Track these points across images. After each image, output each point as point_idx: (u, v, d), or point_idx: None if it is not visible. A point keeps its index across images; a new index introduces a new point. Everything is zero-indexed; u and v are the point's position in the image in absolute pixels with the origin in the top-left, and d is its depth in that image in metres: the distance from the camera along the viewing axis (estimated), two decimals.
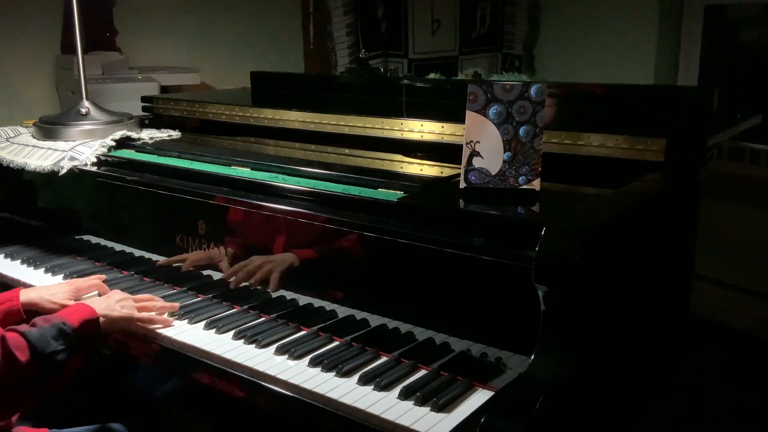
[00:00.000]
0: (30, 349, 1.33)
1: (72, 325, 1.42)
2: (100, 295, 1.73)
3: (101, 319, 1.50)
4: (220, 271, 1.71)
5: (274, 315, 1.59)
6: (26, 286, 1.77)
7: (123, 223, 2.01)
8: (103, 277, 1.80)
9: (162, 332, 1.54)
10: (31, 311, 1.60)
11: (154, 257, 1.86)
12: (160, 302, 1.62)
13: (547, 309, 1.18)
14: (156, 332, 1.55)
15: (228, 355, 1.43)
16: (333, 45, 3.88)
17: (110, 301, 1.57)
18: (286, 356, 1.42)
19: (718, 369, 2.84)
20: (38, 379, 1.35)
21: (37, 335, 1.35)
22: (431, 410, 1.22)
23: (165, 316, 1.60)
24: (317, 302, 1.55)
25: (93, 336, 1.49)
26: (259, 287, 1.63)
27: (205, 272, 1.74)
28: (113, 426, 1.56)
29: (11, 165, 2.05)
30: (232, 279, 1.68)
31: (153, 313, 1.59)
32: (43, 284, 1.76)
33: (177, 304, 1.63)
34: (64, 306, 1.60)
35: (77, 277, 1.82)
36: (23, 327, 1.37)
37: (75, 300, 1.65)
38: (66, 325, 1.41)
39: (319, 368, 1.37)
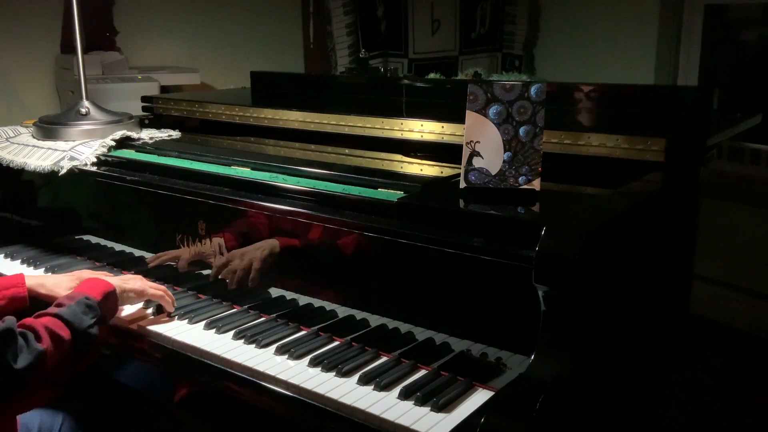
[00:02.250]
0: (69, 327, 1.36)
1: (96, 299, 1.45)
2: None
3: (117, 290, 1.54)
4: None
5: (274, 315, 1.59)
6: None
7: (123, 223, 2.01)
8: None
9: (162, 332, 1.55)
10: (35, 298, 1.62)
11: None
12: (169, 296, 1.65)
13: (547, 309, 1.18)
14: (156, 332, 1.55)
15: (228, 355, 1.43)
16: (333, 45, 3.88)
17: (123, 277, 1.63)
18: (286, 356, 1.42)
19: (718, 369, 2.83)
20: (78, 355, 1.38)
21: (70, 313, 1.38)
22: (431, 410, 1.22)
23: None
24: (317, 302, 1.55)
25: (113, 307, 1.53)
26: (245, 281, 1.63)
27: (205, 272, 1.74)
28: None
29: (11, 165, 2.05)
30: (218, 276, 1.69)
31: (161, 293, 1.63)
32: None
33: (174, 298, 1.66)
34: None
35: None
36: (53, 309, 1.39)
37: None
38: (90, 300, 1.44)
39: (319, 368, 1.37)
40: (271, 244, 1.60)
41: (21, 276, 1.64)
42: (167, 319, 1.61)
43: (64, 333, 1.34)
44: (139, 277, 1.66)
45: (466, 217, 1.37)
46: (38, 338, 1.30)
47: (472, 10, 4.31)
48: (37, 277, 1.68)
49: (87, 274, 1.76)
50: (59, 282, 1.67)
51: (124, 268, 1.91)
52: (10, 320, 1.29)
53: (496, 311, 1.30)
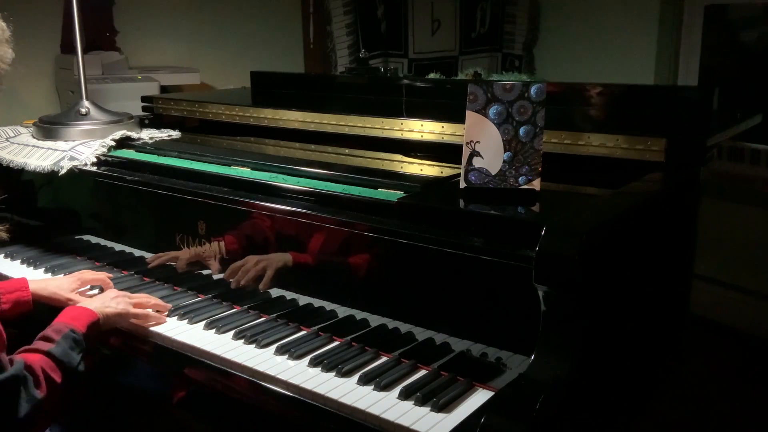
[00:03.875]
0: (60, 368, 1.35)
1: (81, 332, 1.43)
2: (102, 290, 1.76)
3: (100, 318, 1.52)
4: (214, 269, 1.71)
5: (274, 315, 1.59)
6: None
7: (123, 223, 2.01)
8: (110, 276, 1.81)
9: (162, 332, 1.54)
10: (38, 301, 1.64)
11: None
12: (154, 300, 1.63)
13: (547, 309, 1.18)
14: (156, 332, 1.55)
15: (228, 355, 1.43)
16: (333, 45, 3.89)
17: (105, 299, 1.59)
18: (286, 356, 1.42)
19: (718, 369, 2.83)
20: (67, 393, 1.37)
21: (61, 352, 1.37)
22: (431, 410, 1.22)
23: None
24: (317, 302, 1.55)
25: (97, 336, 1.51)
26: (256, 287, 1.63)
27: (205, 272, 1.74)
28: None
29: (11, 165, 2.05)
30: (230, 279, 1.68)
31: (148, 309, 1.60)
32: None
33: (169, 305, 1.64)
34: (69, 299, 1.63)
35: None
36: (44, 345, 1.37)
37: (79, 291, 1.70)
38: (76, 333, 1.42)
39: (319, 368, 1.37)
40: (286, 257, 1.59)
41: (24, 280, 1.64)
42: (167, 318, 1.61)
43: (57, 376, 1.34)
44: (126, 298, 1.60)
45: (466, 217, 1.37)
46: (37, 383, 1.29)
47: (472, 10, 4.31)
48: (39, 281, 1.68)
49: (88, 275, 1.76)
50: (61, 285, 1.68)
51: (124, 268, 1.91)
52: (18, 365, 1.27)
53: (496, 311, 1.30)
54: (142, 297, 1.63)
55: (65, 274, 1.87)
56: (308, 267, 1.57)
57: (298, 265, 1.57)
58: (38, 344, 1.38)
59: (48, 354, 1.35)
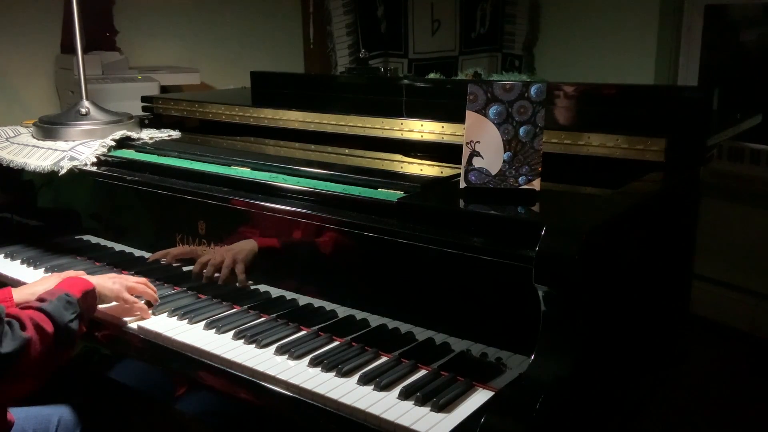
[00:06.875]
0: (51, 321, 1.39)
1: (75, 296, 1.48)
2: None
3: (96, 289, 1.57)
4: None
5: (274, 315, 1.59)
6: None
7: (123, 223, 2.01)
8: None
9: (162, 332, 1.54)
10: None
11: None
12: (150, 291, 1.67)
13: (547, 309, 1.18)
14: (156, 332, 1.55)
15: (228, 355, 1.43)
16: (333, 45, 3.88)
17: (104, 277, 1.64)
18: (286, 356, 1.42)
19: (718, 369, 2.84)
20: (59, 348, 1.41)
21: (52, 307, 1.41)
22: (431, 410, 1.22)
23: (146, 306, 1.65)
24: (317, 302, 1.55)
25: (91, 305, 1.56)
26: (228, 279, 1.65)
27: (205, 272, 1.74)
28: None
29: (11, 165, 2.05)
30: (202, 272, 1.71)
31: (141, 302, 1.64)
32: None
33: (158, 299, 1.67)
34: None
35: None
36: (35, 303, 1.42)
37: None
38: (70, 296, 1.47)
39: (319, 368, 1.37)
40: (251, 243, 1.62)
41: (8, 290, 1.62)
42: (167, 318, 1.61)
43: (47, 326, 1.38)
44: (124, 280, 1.66)
45: (466, 217, 1.37)
46: (23, 327, 1.34)
47: (472, 10, 4.30)
48: (25, 290, 1.65)
49: (72, 275, 1.76)
50: (49, 288, 1.66)
51: (124, 269, 1.91)
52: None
53: (496, 311, 1.30)
54: (139, 286, 1.66)
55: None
56: (308, 266, 1.57)
57: (286, 256, 1.57)
58: (32, 303, 1.43)
59: (39, 308, 1.40)
